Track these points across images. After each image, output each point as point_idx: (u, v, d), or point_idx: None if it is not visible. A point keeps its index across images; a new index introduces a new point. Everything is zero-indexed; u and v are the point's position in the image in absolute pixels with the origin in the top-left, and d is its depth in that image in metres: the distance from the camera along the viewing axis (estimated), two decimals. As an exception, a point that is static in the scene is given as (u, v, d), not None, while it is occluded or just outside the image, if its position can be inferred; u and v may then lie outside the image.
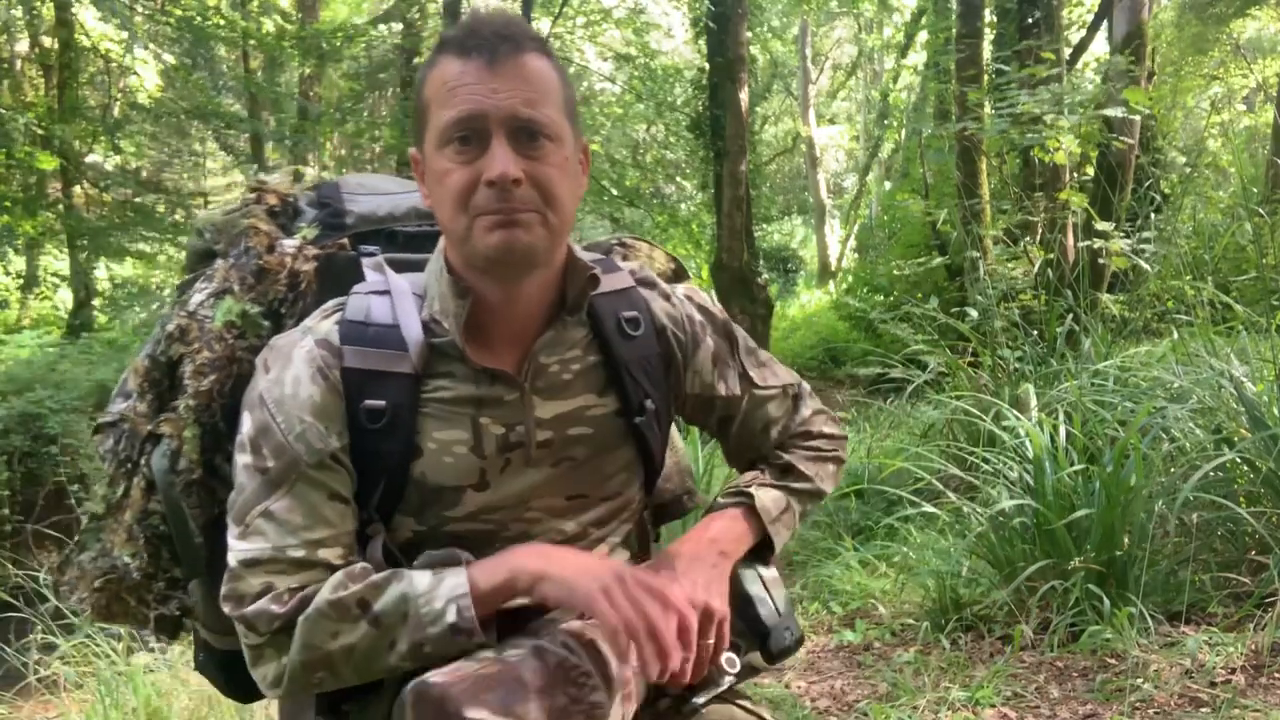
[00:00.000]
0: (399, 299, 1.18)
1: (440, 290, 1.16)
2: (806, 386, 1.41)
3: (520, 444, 1.17)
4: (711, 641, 1.15)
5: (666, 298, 1.30)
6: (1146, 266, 5.20)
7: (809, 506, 1.36)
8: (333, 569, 1.09)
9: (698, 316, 1.31)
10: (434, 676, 0.99)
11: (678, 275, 1.48)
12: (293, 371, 1.12)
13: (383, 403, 1.12)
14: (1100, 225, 5.25)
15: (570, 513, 1.22)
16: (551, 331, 1.19)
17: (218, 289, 1.25)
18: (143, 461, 1.25)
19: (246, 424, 1.12)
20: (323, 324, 1.16)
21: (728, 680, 1.20)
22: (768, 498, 1.30)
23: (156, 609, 1.28)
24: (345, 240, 1.32)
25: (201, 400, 1.21)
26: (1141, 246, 5.32)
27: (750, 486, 1.31)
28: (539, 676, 0.99)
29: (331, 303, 1.19)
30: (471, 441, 1.15)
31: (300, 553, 1.08)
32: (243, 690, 1.37)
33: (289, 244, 1.27)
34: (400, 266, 1.27)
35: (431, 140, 1.11)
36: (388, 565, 1.12)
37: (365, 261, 1.25)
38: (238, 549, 1.09)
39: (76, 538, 1.32)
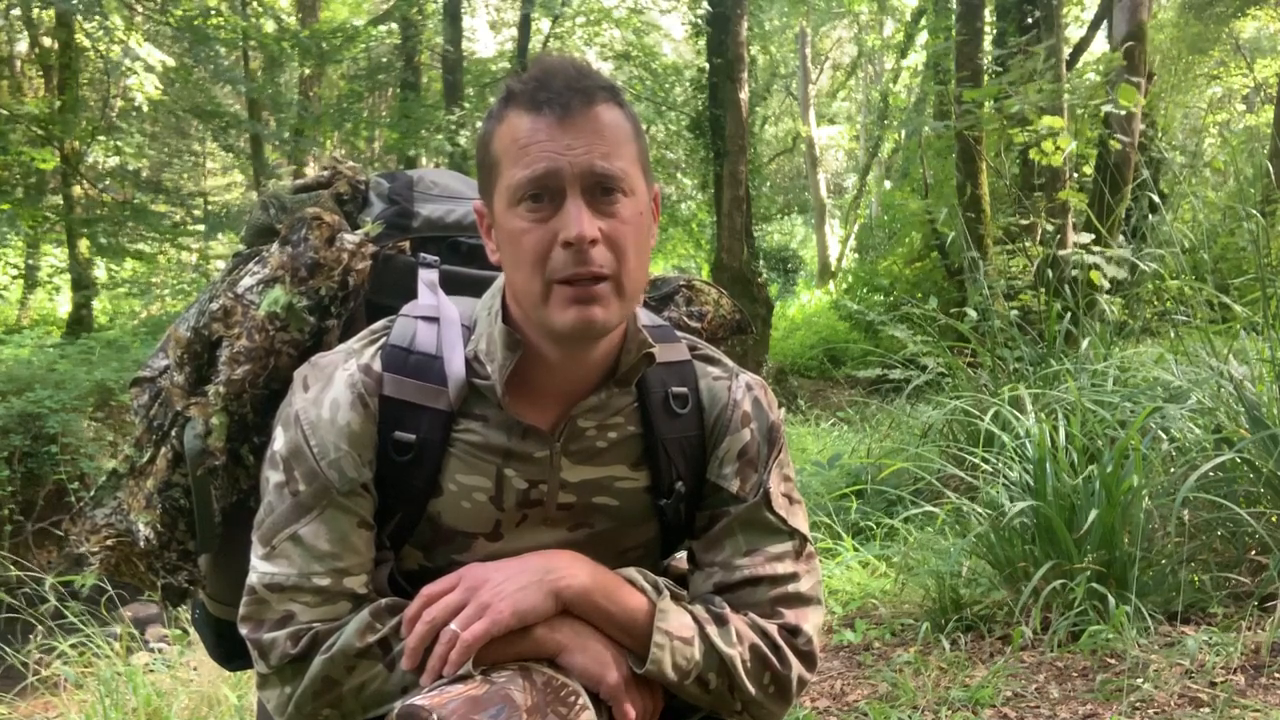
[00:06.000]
0: (446, 328, 1.14)
1: (490, 333, 1.12)
2: (818, 571, 1.23)
3: (540, 502, 1.14)
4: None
5: (724, 379, 1.22)
6: (1144, 267, 5.19)
7: (712, 684, 1.12)
8: (355, 598, 1.08)
9: (747, 408, 1.21)
10: (421, 699, 0.98)
11: (741, 325, 1.43)
12: (332, 395, 1.10)
13: (413, 437, 1.10)
14: (1087, 240, 5.24)
15: None
16: (596, 397, 1.15)
17: (269, 276, 1.22)
18: (173, 433, 1.24)
19: (279, 441, 1.11)
20: (367, 349, 1.13)
21: None
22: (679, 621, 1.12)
23: (165, 578, 1.28)
24: (407, 243, 1.29)
25: (233, 389, 1.19)
26: (1141, 253, 5.32)
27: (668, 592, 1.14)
28: (528, 695, 0.99)
29: (380, 324, 1.17)
30: (492, 491, 1.13)
31: (325, 581, 1.07)
32: (230, 657, 1.39)
33: (349, 240, 1.23)
34: (457, 281, 1.24)
35: (502, 198, 1.07)
36: (392, 593, 1.12)
37: (421, 275, 1.22)
38: (262, 570, 1.08)
39: (93, 492, 1.31)
